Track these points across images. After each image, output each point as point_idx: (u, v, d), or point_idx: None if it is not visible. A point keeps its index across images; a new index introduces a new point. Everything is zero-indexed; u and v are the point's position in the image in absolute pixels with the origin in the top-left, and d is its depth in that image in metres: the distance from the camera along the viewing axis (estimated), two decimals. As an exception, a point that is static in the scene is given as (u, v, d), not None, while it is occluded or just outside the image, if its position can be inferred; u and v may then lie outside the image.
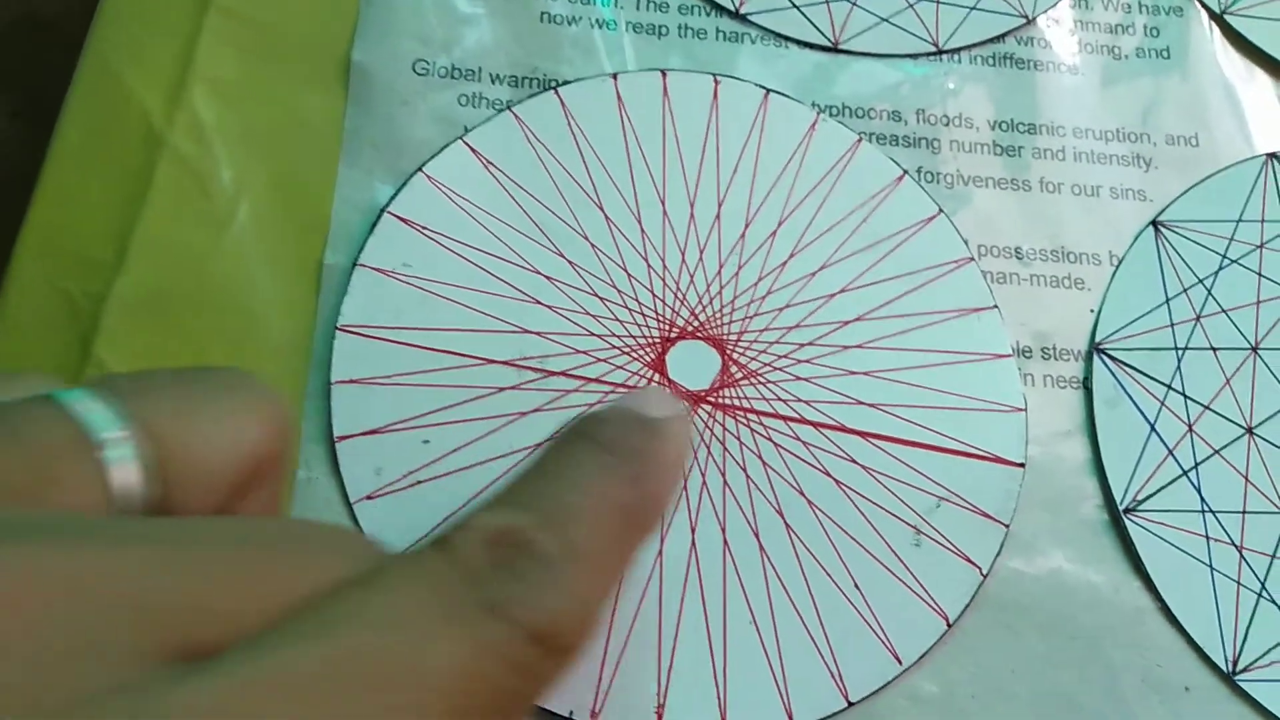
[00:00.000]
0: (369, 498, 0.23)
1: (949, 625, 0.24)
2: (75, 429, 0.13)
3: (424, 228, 0.26)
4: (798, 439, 0.25)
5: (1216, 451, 0.26)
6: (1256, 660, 0.24)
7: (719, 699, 0.23)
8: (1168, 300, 0.28)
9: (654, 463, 0.16)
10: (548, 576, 0.13)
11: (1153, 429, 0.26)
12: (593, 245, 0.26)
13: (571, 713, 0.22)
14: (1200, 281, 0.28)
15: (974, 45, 0.30)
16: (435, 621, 0.12)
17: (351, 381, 0.24)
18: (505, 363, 0.25)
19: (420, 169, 0.26)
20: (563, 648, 0.13)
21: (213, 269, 0.25)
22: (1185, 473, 0.26)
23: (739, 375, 0.25)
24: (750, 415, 0.25)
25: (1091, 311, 0.27)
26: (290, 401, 0.24)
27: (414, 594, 0.12)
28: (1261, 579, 0.25)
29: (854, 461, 0.25)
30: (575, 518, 0.14)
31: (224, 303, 0.25)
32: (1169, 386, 0.27)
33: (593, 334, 0.25)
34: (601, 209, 0.26)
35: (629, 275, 0.26)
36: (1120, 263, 0.28)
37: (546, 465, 0.15)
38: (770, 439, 0.25)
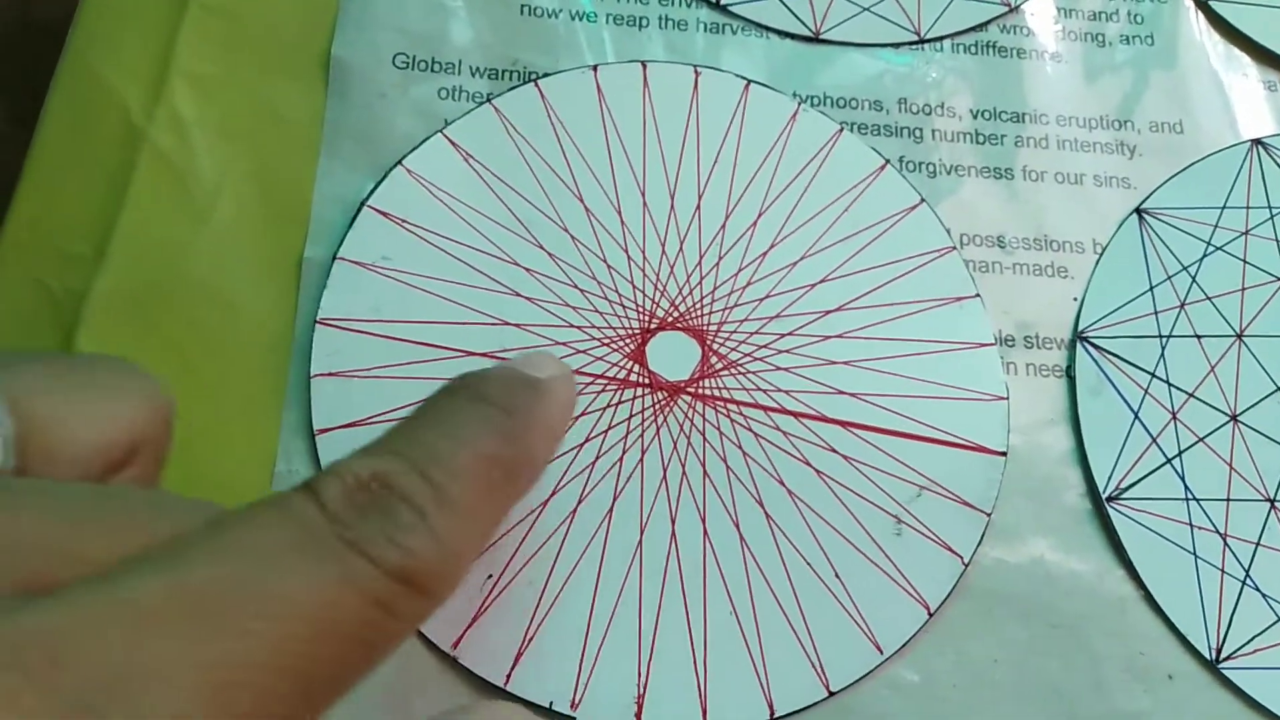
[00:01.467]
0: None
1: (930, 614, 0.24)
2: None
3: (403, 221, 0.26)
4: (778, 429, 0.25)
5: (1201, 439, 0.26)
6: (1240, 648, 0.24)
7: (699, 689, 0.22)
8: (1152, 288, 0.27)
9: (532, 421, 0.16)
10: (412, 519, 0.13)
11: (1136, 417, 0.26)
12: (572, 237, 0.26)
13: (551, 703, 0.22)
14: (1185, 269, 0.28)
15: (956, 34, 0.29)
16: (289, 553, 0.12)
17: (331, 374, 0.24)
18: (484, 354, 0.25)
19: (400, 162, 0.26)
20: (425, 589, 0.13)
21: (193, 263, 0.25)
22: (1169, 460, 0.26)
23: (719, 366, 0.25)
24: (730, 405, 0.25)
25: (1075, 300, 0.27)
26: (270, 394, 0.24)
27: (273, 530, 0.13)
28: (1246, 566, 0.25)
29: (835, 451, 0.25)
30: (445, 466, 0.14)
31: (204, 296, 0.25)
32: (1153, 374, 0.27)
33: (572, 325, 0.25)
34: (581, 201, 0.26)
35: (609, 267, 0.26)
36: (1104, 250, 0.28)
37: (424, 415, 0.16)
38: (750, 429, 0.25)
